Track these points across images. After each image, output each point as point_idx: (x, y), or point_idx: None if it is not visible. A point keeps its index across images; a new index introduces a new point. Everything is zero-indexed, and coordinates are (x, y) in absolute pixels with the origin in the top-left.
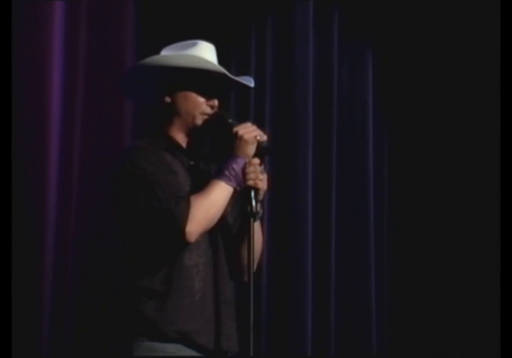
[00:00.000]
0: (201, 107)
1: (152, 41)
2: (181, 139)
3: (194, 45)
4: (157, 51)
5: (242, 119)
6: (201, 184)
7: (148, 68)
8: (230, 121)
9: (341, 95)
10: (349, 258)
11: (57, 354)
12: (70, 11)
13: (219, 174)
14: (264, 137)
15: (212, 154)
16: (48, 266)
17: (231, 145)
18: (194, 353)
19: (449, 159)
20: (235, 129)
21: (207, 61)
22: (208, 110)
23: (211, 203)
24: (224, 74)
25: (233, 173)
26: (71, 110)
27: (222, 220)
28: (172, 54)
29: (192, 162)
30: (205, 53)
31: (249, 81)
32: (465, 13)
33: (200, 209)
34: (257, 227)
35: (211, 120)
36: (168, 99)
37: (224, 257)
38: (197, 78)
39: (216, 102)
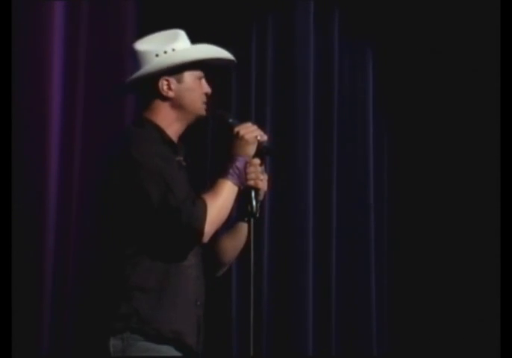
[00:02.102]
0: (203, 96)
1: None
2: (173, 132)
3: (178, 35)
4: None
5: (242, 119)
6: (190, 182)
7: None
8: (230, 121)
9: (341, 95)
10: (350, 258)
11: (57, 354)
12: (70, 11)
13: (224, 174)
14: (265, 137)
15: (212, 153)
16: (48, 266)
17: (232, 144)
18: (181, 355)
19: (449, 158)
20: (236, 129)
21: (220, 50)
22: (205, 99)
23: (223, 204)
24: (231, 61)
25: (237, 171)
26: (71, 110)
27: None
28: (182, 49)
29: (178, 158)
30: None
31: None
32: (465, 13)
33: (214, 210)
34: (246, 228)
35: (210, 119)
36: (171, 94)
37: (205, 261)
38: (200, 69)
39: (210, 89)
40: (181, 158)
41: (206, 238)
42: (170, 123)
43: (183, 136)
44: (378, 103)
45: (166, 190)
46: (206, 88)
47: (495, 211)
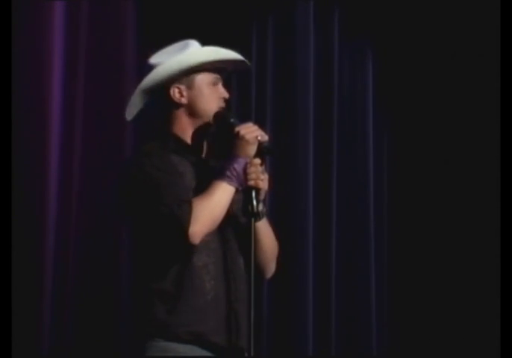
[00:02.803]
0: (219, 101)
1: (152, 41)
2: (192, 138)
3: (188, 44)
4: (158, 51)
5: (243, 119)
6: (209, 183)
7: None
8: (231, 120)
9: (341, 95)
10: (350, 258)
11: (57, 354)
12: (70, 11)
13: (220, 175)
14: (265, 137)
15: (214, 153)
16: (48, 266)
17: (232, 144)
18: (207, 353)
19: (449, 159)
20: (236, 129)
21: (227, 52)
22: (222, 104)
23: (214, 205)
24: (242, 62)
25: (234, 173)
26: (71, 110)
27: (235, 220)
28: (188, 54)
29: (200, 162)
30: (202, 49)
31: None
32: (465, 13)
33: (203, 211)
34: (266, 226)
35: (212, 119)
36: (184, 101)
37: (236, 254)
38: (210, 73)
39: (228, 94)
40: (206, 160)
41: (196, 238)
42: (184, 131)
43: (205, 139)
44: (377, 103)
45: (156, 199)
46: (222, 93)
47: (495, 210)
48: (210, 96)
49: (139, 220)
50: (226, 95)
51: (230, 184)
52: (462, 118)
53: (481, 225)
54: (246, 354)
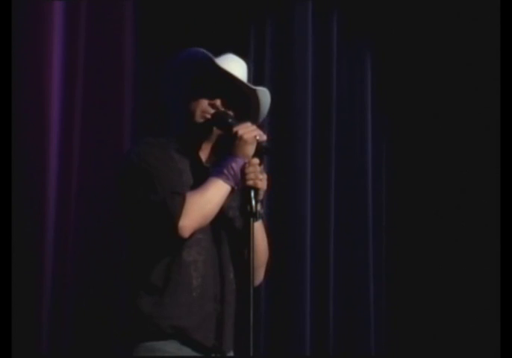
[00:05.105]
0: (202, 106)
1: (152, 41)
2: (192, 140)
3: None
4: (157, 51)
5: (242, 119)
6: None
7: (167, 79)
8: (230, 120)
9: (340, 96)
10: (348, 258)
11: (56, 353)
12: (70, 11)
13: (217, 173)
14: (264, 137)
15: (216, 158)
16: (48, 266)
17: (231, 144)
18: (190, 351)
19: (448, 159)
20: (235, 129)
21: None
22: (210, 109)
23: (207, 200)
24: (228, 74)
25: (231, 172)
26: (70, 110)
27: (231, 224)
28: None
29: (201, 165)
30: (228, 62)
31: (263, 92)
32: (465, 13)
33: (195, 205)
34: (261, 229)
35: (211, 119)
36: (183, 104)
37: (228, 257)
38: (201, 80)
39: (217, 102)
40: (208, 163)
41: (185, 232)
42: (185, 133)
43: (202, 142)
44: (376, 103)
45: (149, 189)
46: (212, 100)
47: (496, 213)
48: (198, 99)
49: (132, 208)
50: (215, 102)
51: (226, 182)
52: (461, 118)
53: (480, 227)
54: (233, 353)
